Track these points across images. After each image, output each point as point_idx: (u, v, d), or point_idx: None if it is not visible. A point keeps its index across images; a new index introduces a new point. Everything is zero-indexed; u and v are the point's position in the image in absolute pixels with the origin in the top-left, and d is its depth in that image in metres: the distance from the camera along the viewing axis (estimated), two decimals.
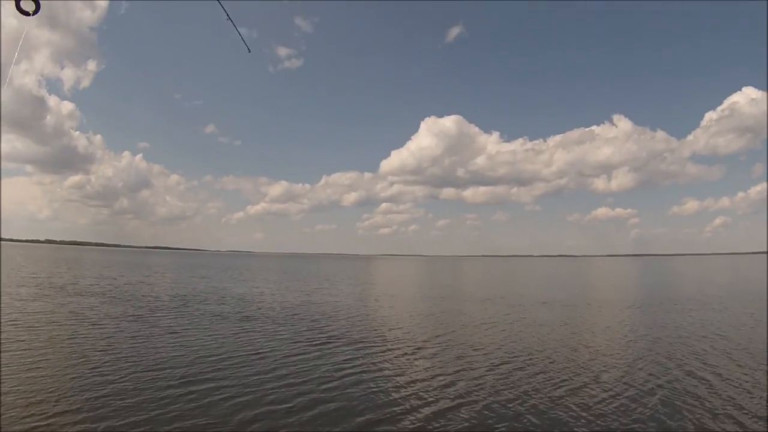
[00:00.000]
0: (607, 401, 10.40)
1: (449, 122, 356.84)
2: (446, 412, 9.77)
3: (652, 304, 29.42)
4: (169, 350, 14.59)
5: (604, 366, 13.61)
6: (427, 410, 9.85)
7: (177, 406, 9.59)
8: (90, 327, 18.05)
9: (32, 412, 8.91)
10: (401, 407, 9.99)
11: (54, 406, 9.30)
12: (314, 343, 16.38)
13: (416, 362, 14.18)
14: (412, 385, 11.65)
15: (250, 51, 9.13)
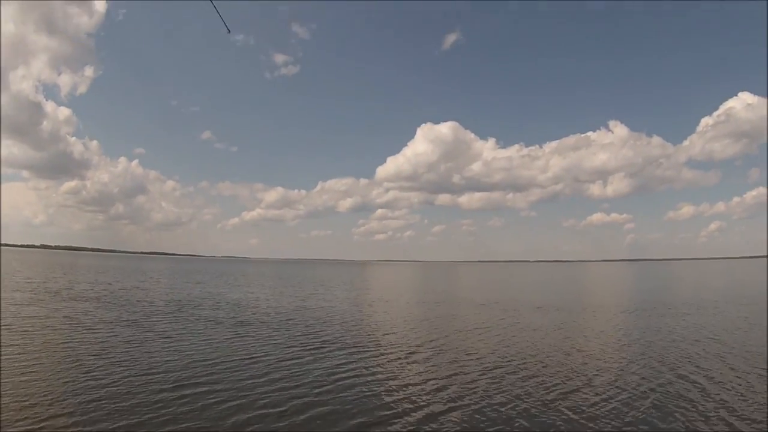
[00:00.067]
0: (599, 405, 10.47)
1: (445, 128, 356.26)
2: (438, 415, 9.81)
3: (647, 309, 29.56)
4: (163, 354, 14.58)
5: (597, 370, 13.69)
6: (419, 414, 9.90)
7: (170, 409, 9.60)
8: (84, 331, 18.01)
9: (26, 415, 8.91)
10: (394, 411, 10.04)
11: (48, 409, 9.30)
12: (308, 347, 16.40)
13: (409, 366, 14.23)
14: (404, 389, 11.69)
15: (229, 31, 9.70)
